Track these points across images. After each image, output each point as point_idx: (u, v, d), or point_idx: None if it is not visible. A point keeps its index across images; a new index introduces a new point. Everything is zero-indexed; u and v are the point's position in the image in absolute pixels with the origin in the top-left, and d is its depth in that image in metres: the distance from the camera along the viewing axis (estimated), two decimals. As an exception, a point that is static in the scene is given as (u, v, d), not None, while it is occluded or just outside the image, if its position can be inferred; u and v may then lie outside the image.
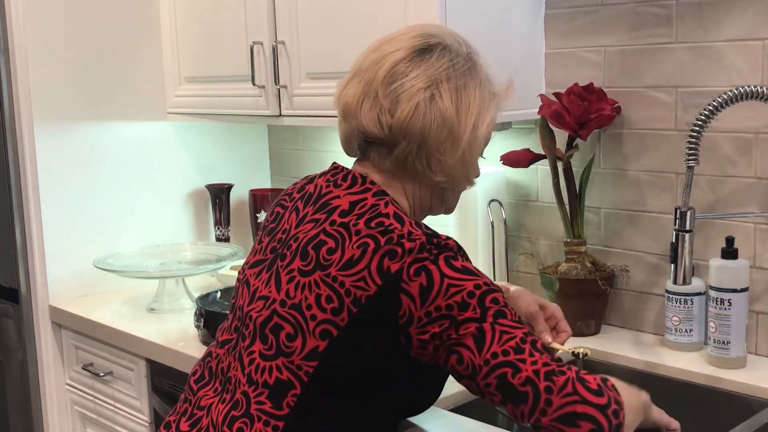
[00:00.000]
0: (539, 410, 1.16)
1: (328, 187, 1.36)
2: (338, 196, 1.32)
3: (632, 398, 1.26)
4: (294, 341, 1.25)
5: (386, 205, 1.29)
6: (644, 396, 1.31)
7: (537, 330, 1.51)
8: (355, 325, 1.23)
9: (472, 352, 1.20)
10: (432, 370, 1.31)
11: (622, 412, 1.18)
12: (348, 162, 1.43)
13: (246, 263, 1.42)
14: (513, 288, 1.59)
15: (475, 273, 1.24)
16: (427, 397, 1.39)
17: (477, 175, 1.41)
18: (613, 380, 1.24)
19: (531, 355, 1.19)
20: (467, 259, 1.27)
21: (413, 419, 1.43)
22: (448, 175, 1.34)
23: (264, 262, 1.36)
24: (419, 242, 1.22)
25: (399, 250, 1.22)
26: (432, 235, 1.25)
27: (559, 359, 1.23)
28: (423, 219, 1.42)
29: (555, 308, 1.54)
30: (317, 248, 1.27)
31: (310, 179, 1.43)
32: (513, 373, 1.18)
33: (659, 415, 1.35)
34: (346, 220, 1.28)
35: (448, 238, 1.26)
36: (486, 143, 1.38)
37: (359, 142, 1.37)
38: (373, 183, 1.33)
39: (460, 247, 1.27)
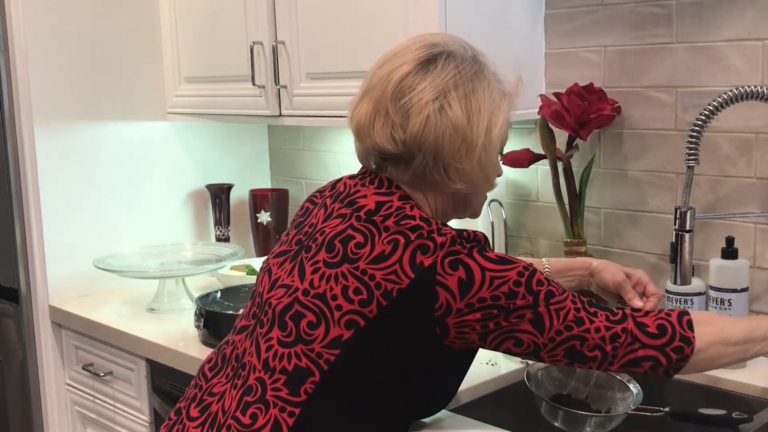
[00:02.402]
0: (607, 362, 1.29)
1: (356, 186, 1.38)
2: (365, 195, 1.35)
3: (733, 331, 1.34)
4: (316, 329, 1.27)
5: (411, 208, 1.31)
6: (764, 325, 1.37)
7: (626, 298, 1.65)
8: (384, 317, 1.25)
9: (533, 334, 1.27)
10: (452, 367, 1.34)
11: (690, 347, 1.28)
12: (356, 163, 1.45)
13: (271, 253, 1.45)
14: (596, 262, 1.70)
15: (512, 261, 1.28)
16: (443, 394, 1.41)
17: (499, 175, 1.43)
18: (703, 315, 1.35)
19: (591, 321, 1.27)
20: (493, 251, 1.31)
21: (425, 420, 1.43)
22: (468, 182, 1.35)
23: (288, 252, 1.39)
24: (450, 236, 1.26)
25: (431, 244, 1.25)
26: (460, 230, 1.28)
27: (607, 307, 1.30)
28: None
29: (641, 274, 1.66)
30: (345, 242, 1.30)
31: (341, 179, 1.46)
32: (581, 343, 1.27)
33: None
34: (373, 218, 1.30)
35: (475, 231, 1.29)
36: (503, 143, 1.39)
37: (376, 159, 1.39)
38: (398, 187, 1.35)
39: (487, 240, 1.30)
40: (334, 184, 1.46)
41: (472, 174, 1.35)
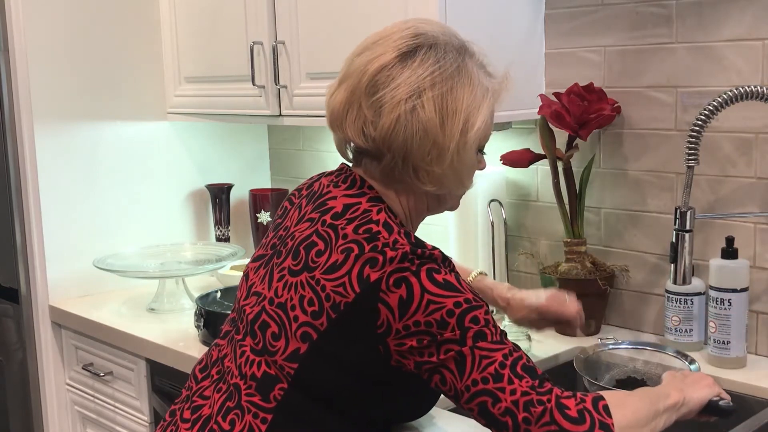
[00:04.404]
0: None
1: (329, 186, 1.35)
2: (335, 197, 1.31)
3: (642, 408, 1.24)
4: (278, 341, 1.25)
5: (378, 212, 1.26)
6: (671, 400, 1.29)
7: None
8: (334, 331, 1.21)
9: (455, 375, 1.19)
10: (419, 382, 1.27)
11: None
12: None
13: (252, 257, 1.43)
14: (513, 299, 1.70)
15: (456, 289, 1.20)
16: (413, 410, 1.38)
17: (482, 168, 1.38)
18: (614, 396, 1.23)
19: (510, 382, 1.17)
20: (453, 270, 1.24)
21: (416, 425, 1.43)
22: (439, 184, 1.30)
23: (264, 257, 1.37)
24: (402, 251, 1.19)
25: (380, 258, 1.20)
26: (417, 245, 1.22)
27: (544, 379, 1.20)
28: (420, 222, 1.40)
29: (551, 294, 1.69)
30: (308, 249, 1.27)
31: (319, 177, 1.42)
32: (492, 402, 1.17)
33: (704, 395, 1.34)
34: (336, 222, 1.27)
35: (434, 248, 1.23)
36: (482, 141, 1.33)
37: (351, 150, 1.36)
38: (371, 188, 1.31)
39: (445, 258, 1.24)
40: (311, 183, 1.42)
41: (444, 177, 1.29)
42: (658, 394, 1.30)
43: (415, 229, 1.38)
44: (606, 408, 1.19)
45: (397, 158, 1.27)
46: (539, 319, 1.70)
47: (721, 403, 1.35)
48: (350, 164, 1.39)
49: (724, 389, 1.62)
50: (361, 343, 1.21)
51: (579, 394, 1.20)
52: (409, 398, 1.33)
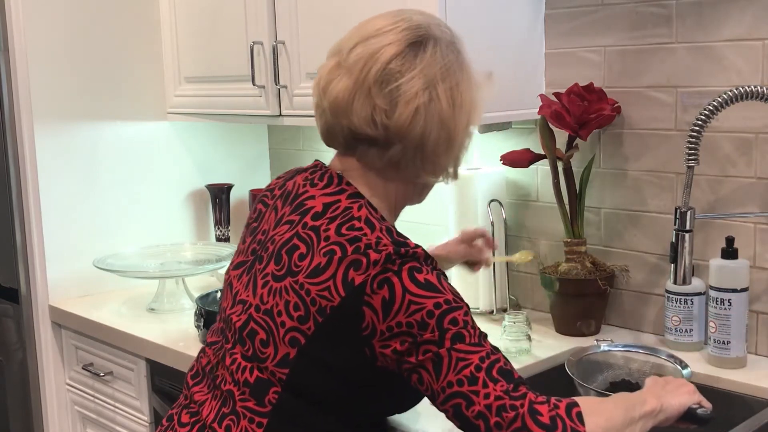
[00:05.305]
0: None
1: (305, 186, 1.34)
2: (313, 197, 1.30)
3: (617, 416, 1.22)
4: (267, 347, 1.25)
5: (359, 208, 1.26)
6: (647, 407, 1.27)
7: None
8: (321, 335, 1.22)
9: (432, 376, 1.19)
10: (403, 382, 1.26)
11: None
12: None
13: (231, 263, 1.41)
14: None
15: (437, 289, 1.20)
16: (397, 408, 1.38)
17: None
18: (588, 402, 1.21)
19: (485, 385, 1.17)
20: (435, 268, 1.24)
21: (404, 420, 1.42)
22: (440, 174, 1.33)
23: (245, 264, 1.36)
24: (385, 253, 1.19)
25: (364, 260, 1.20)
26: (400, 244, 1.22)
27: (520, 383, 1.19)
28: (400, 212, 1.40)
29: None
30: (290, 253, 1.27)
31: (291, 176, 1.41)
32: (466, 405, 1.17)
33: (683, 402, 1.32)
34: (317, 223, 1.26)
35: (417, 246, 1.23)
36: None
37: (346, 138, 1.32)
38: (349, 184, 1.31)
39: (428, 256, 1.23)
40: (284, 182, 1.41)
41: (447, 167, 1.33)
42: (634, 401, 1.28)
43: (395, 219, 1.38)
44: (579, 415, 1.17)
45: (409, 147, 1.28)
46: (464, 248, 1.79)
47: (699, 411, 1.33)
48: (332, 155, 1.37)
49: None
50: (346, 347, 1.22)
51: (553, 400, 1.18)
52: (394, 398, 1.33)
